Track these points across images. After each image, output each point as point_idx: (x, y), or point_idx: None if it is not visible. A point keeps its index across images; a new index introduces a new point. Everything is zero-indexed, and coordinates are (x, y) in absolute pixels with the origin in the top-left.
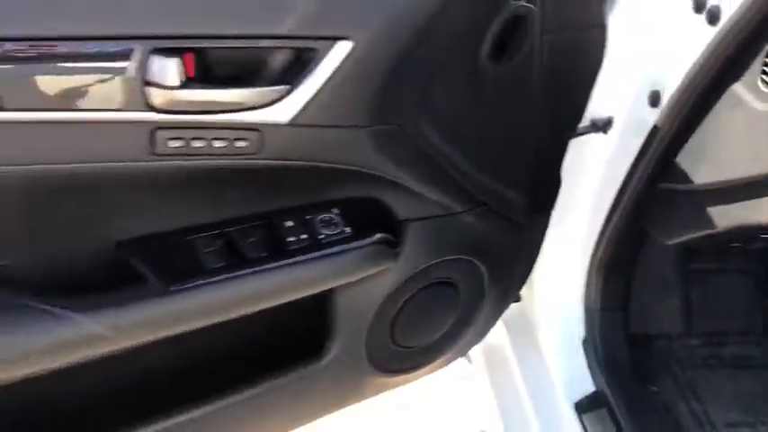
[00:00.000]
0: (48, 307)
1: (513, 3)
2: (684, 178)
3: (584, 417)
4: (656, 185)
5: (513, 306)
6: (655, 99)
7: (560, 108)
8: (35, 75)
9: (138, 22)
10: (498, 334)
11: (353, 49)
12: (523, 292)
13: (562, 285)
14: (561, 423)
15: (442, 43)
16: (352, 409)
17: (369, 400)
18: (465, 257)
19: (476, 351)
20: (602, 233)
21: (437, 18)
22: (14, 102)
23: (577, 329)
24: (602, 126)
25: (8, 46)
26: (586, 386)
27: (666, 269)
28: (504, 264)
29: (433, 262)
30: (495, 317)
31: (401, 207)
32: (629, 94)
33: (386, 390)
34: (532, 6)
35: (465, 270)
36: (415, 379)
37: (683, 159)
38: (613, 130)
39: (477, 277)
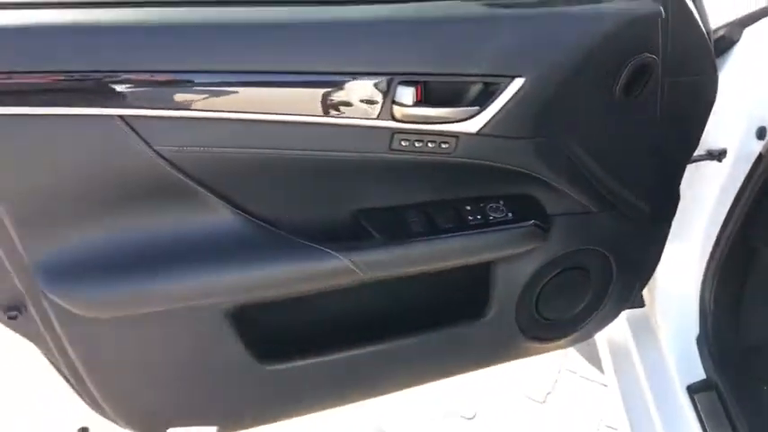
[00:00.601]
0: (317, 246)
1: (641, 54)
2: None
3: (696, 396)
4: (761, 203)
5: (637, 310)
6: (761, 133)
7: (678, 137)
8: (329, 93)
9: (395, 65)
10: (623, 332)
11: (524, 84)
12: (645, 296)
13: (680, 290)
14: (675, 402)
15: (587, 80)
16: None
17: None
18: (598, 249)
19: (603, 345)
20: (716, 244)
21: (585, 63)
22: (308, 109)
23: (693, 328)
24: (717, 155)
25: (314, 77)
26: (698, 374)
27: None
28: (630, 260)
29: (572, 249)
30: (620, 305)
31: (550, 203)
32: (740, 129)
33: (529, 355)
34: (656, 57)
35: (597, 259)
36: (553, 349)
37: None
38: (726, 159)
39: (607, 267)
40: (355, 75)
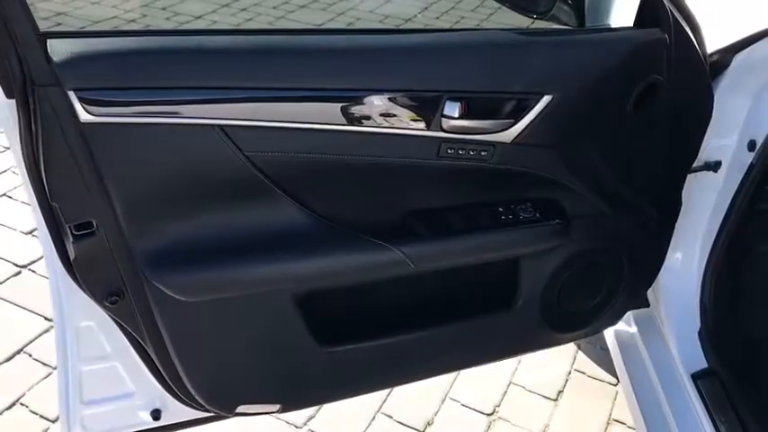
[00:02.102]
0: (374, 240)
1: (650, 75)
2: None
3: (699, 382)
4: (754, 207)
5: (642, 309)
6: (752, 145)
7: (679, 148)
8: (390, 107)
9: (445, 83)
10: (630, 330)
11: (551, 100)
12: (650, 297)
13: (682, 288)
14: (681, 389)
15: (604, 97)
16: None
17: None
18: (611, 247)
19: (612, 342)
20: (714, 246)
21: (602, 82)
22: (372, 121)
23: (694, 323)
24: (713, 166)
25: (380, 94)
26: (701, 364)
27: None
28: (639, 259)
29: (589, 247)
30: (630, 300)
31: (571, 206)
32: (733, 142)
33: (551, 345)
34: (661, 78)
35: (610, 258)
36: (574, 339)
37: None
38: (722, 169)
39: (619, 264)
40: (413, 92)
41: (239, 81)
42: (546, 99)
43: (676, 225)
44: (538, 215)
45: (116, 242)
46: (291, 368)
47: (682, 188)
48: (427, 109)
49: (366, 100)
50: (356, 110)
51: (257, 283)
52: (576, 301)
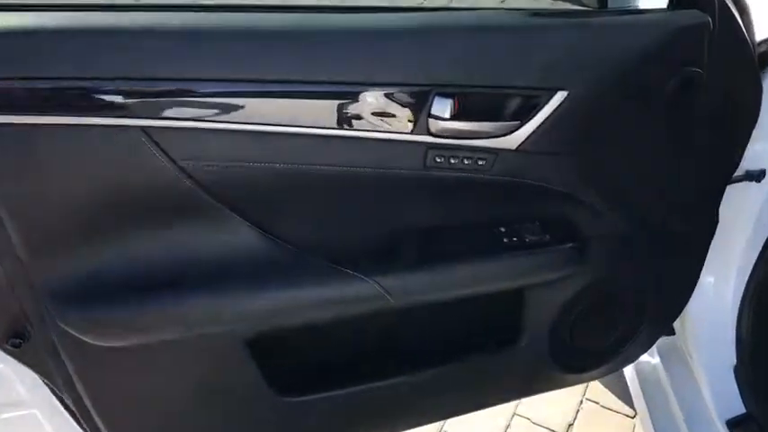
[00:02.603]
0: (344, 269)
1: (687, 67)
2: None
3: (735, 431)
4: None
5: (666, 338)
6: None
7: (719, 155)
8: (359, 105)
9: (431, 76)
10: (652, 361)
11: (567, 97)
12: (676, 324)
13: (714, 316)
14: None
15: (631, 94)
16: None
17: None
18: (633, 275)
19: (631, 375)
20: (755, 268)
21: (630, 76)
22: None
23: (729, 358)
24: (757, 176)
25: (345, 88)
26: (738, 408)
27: None
28: (666, 286)
29: (608, 274)
30: (655, 333)
31: (587, 225)
32: None
33: (561, 386)
34: (701, 71)
35: (633, 285)
36: (585, 380)
37: None
38: (765, 179)
39: (644, 293)
40: (389, 85)
41: (167, 70)
42: (560, 96)
43: (710, 244)
44: (547, 237)
45: (15, 275)
46: (244, 422)
47: (720, 202)
48: (411, 107)
49: (332, 96)
50: (320, 108)
51: (197, 322)
52: (592, 337)
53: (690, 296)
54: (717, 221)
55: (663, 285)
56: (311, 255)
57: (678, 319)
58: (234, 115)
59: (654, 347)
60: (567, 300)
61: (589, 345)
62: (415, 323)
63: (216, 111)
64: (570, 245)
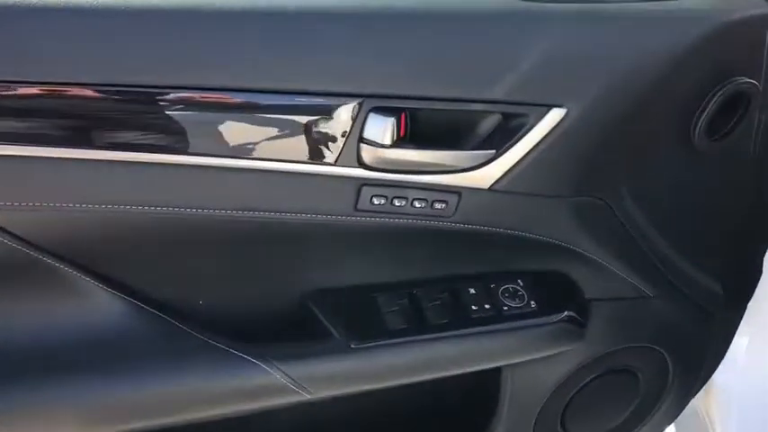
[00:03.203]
0: (238, 352)
1: (736, 78)
2: None
3: None
4: None
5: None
6: None
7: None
8: (255, 124)
9: (365, 82)
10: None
11: (565, 117)
12: None
13: (748, 386)
14: None
15: (657, 115)
16: None
17: None
18: (651, 346)
19: None
20: None
21: (655, 89)
22: (226, 149)
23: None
24: None
25: (230, 95)
26: None
27: None
28: (692, 355)
29: (617, 348)
30: (675, 413)
31: (590, 285)
32: None
33: None
34: (756, 83)
35: (649, 359)
36: None
37: None
38: None
39: (662, 368)
40: (300, 94)
41: None
42: (555, 115)
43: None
44: (534, 304)
45: None
46: None
47: (765, 251)
48: (333, 127)
49: (214, 108)
50: (191, 127)
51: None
52: (592, 422)
53: (718, 363)
54: (760, 275)
55: (688, 355)
56: (196, 331)
57: None
58: (65, 137)
59: None
60: (560, 381)
61: (588, 431)
62: (357, 407)
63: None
64: (565, 314)
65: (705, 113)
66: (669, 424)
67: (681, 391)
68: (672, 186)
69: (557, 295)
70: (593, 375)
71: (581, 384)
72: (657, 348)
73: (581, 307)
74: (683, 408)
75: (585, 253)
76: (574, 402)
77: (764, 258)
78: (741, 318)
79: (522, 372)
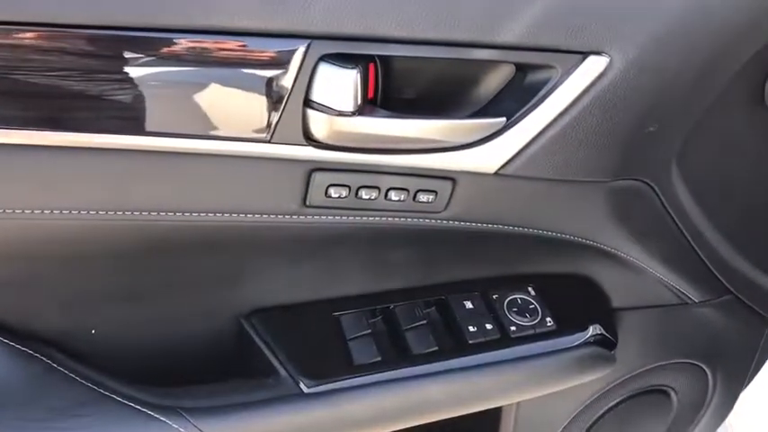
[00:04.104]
0: (143, 408)
1: None
2: None
3: None
4: None
5: None
6: None
7: None
8: (149, 81)
9: (308, 14)
10: None
11: (607, 69)
12: None
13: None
14: None
15: (719, 72)
16: None
17: None
18: (691, 361)
19: None
20: None
21: (719, 38)
22: (110, 120)
23: None
24: None
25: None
26: None
27: None
28: (737, 368)
29: (648, 367)
30: (715, 424)
31: (620, 291)
32: None
33: None
34: None
35: (687, 377)
36: None
37: None
38: None
39: (701, 385)
40: (212, 33)
41: None
42: (593, 64)
43: None
44: (550, 322)
45: None
46: None
47: None
48: (265, 85)
49: (81, 55)
50: (52, 87)
51: None
52: None
53: (759, 370)
54: None
55: (731, 368)
56: (81, 376)
57: None
58: None
59: None
60: (578, 410)
61: None
62: None
63: None
64: (592, 332)
65: None
66: None
67: (719, 408)
68: (735, 165)
69: (579, 306)
70: (618, 400)
71: (601, 412)
72: (698, 364)
73: (609, 320)
74: (720, 425)
75: (617, 252)
76: (596, 428)
77: None
78: None
79: (529, 404)
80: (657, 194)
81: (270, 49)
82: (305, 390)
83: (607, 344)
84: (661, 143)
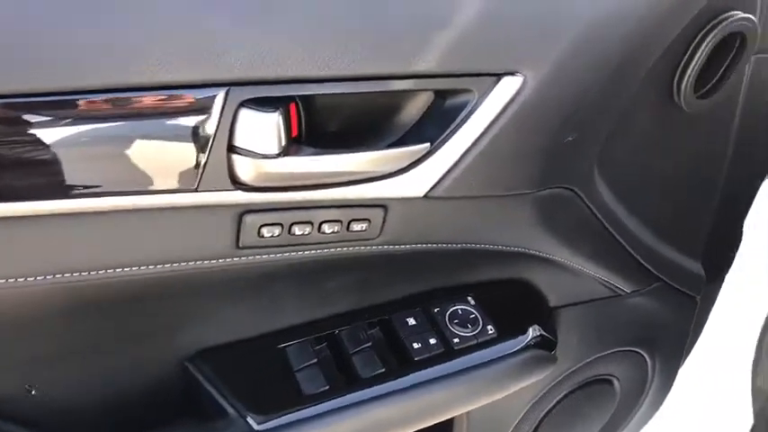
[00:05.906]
0: None
1: (730, 14)
2: None
3: None
4: None
5: None
6: None
7: (756, 149)
8: (72, 143)
9: (224, 62)
10: None
11: (522, 88)
12: None
13: (727, 361)
14: None
15: (635, 72)
16: None
17: None
18: (629, 349)
19: None
20: None
21: (636, 39)
22: (41, 185)
23: (743, 410)
24: None
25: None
26: None
27: None
28: (673, 349)
29: (590, 359)
30: (652, 412)
31: (555, 291)
32: None
33: None
34: (755, 22)
35: (627, 364)
36: None
37: None
38: None
39: (641, 370)
40: (130, 90)
41: None
42: (509, 85)
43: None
44: (491, 329)
45: None
46: None
47: (746, 215)
48: (188, 135)
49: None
50: None
51: None
52: None
53: (693, 345)
54: (739, 242)
55: (667, 350)
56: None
57: None
58: None
59: None
60: (523, 411)
61: None
62: None
63: None
64: (532, 335)
65: (695, 61)
66: (646, 424)
67: (659, 390)
68: (652, 160)
69: (518, 310)
70: (564, 393)
71: (549, 407)
72: (636, 350)
73: (548, 319)
74: (661, 405)
75: (550, 256)
76: (542, 428)
77: (744, 224)
78: (719, 291)
79: (479, 409)
80: (582, 198)
81: (189, 98)
82: (255, 427)
83: (547, 344)
84: (581, 150)
